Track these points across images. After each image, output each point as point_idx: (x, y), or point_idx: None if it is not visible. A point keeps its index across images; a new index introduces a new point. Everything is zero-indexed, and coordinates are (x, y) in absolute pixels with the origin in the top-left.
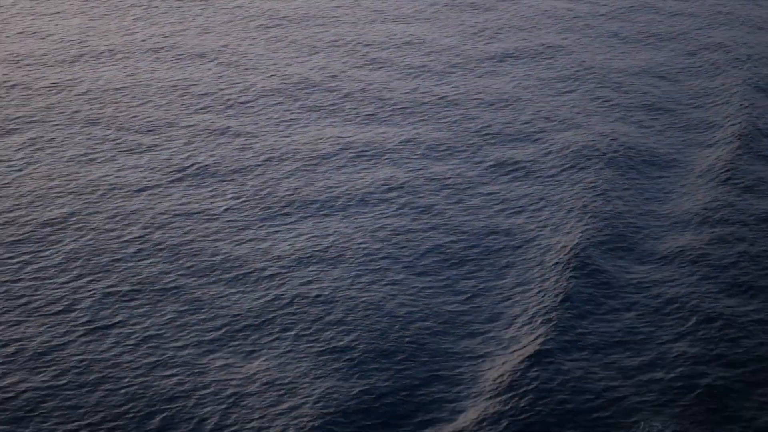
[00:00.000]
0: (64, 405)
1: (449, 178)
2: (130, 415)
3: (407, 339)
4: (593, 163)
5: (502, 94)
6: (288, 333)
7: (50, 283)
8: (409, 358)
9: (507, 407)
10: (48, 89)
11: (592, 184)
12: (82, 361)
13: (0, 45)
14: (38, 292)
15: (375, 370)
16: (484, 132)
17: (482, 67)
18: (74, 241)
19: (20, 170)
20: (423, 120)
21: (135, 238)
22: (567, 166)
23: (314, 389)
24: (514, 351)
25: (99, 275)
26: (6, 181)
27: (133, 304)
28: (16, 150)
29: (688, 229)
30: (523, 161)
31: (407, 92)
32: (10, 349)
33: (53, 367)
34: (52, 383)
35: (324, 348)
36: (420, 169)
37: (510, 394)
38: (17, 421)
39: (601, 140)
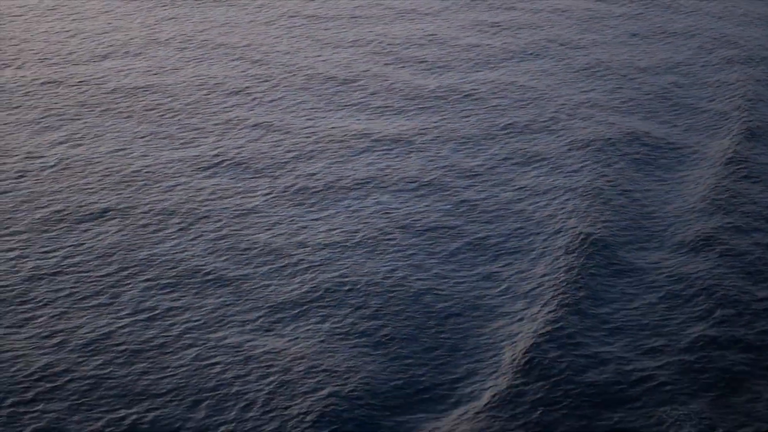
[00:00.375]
0: (110, 394)
1: (476, 170)
2: (176, 403)
3: (437, 322)
4: (613, 154)
5: (524, 90)
6: (325, 321)
7: (91, 276)
8: (438, 340)
9: (531, 386)
10: (77, 86)
11: (613, 174)
12: (126, 350)
13: (28, 44)
14: (80, 284)
15: (409, 354)
16: (508, 126)
17: (503, 64)
18: (113, 234)
19: (54, 166)
20: (448, 115)
21: (173, 230)
22: (588, 157)
23: (352, 373)
24: (538, 332)
25: (139, 267)
26: (40, 178)
27: (174, 294)
28: (50, 147)
29: (703, 217)
30: (545, 153)
31: (431, 88)
32: (56, 340)
33: (99, 357)
34: (98, 372)
35: (361, 335)
36: (447, 162)
37: (535, 373)
38: (66, 410)
39: (619, 133)
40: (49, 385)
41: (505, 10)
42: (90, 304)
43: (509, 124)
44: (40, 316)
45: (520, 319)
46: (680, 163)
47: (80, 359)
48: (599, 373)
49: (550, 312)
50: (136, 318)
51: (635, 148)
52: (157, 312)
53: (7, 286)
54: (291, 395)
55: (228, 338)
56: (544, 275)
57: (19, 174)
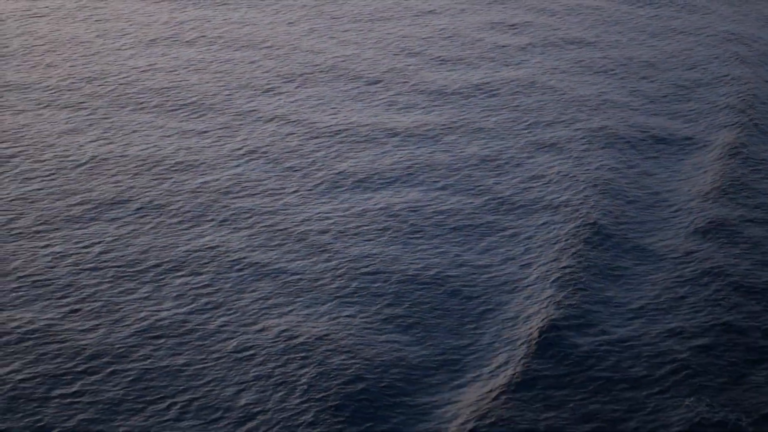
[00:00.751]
0: (154, 382)
1: (488, 158)
2: (218, 391)
3: (461, 304)
4: (626, 145)
5: (533, 82)
6: (345, 300)
7: (132, 268)
8: (463, 321)
9: (546, 368)
10: (106, 84)
11: (626, 164)
12: (167, 340)
13: (55, 43)
14: (121, 277)
15: (424, 332)
16: (518, 118)
17: (513, 58)
18: (150, 227)
19: (87, 162)
20: (460, 106)
21: (209, 223)
22: (597, 147)
23: (374, 351)
24: (551, 314)
25: (177, 259)
26: (74, 175)
27: (212, 285)
28: (81, 144)
29: (712, 206)
30: (556, 143)
31: (444, 81)
32: (102, 331)
33: (143, 346)
34: (142, 361)
35: (380, 313)
36: (460, 150)
37: (550, 354)
38: (119, 400)
39: (631, 126)
40: (95, 375)
41: (524, 10)
42: (131, 297)
43: (528, 117)
44: (84, 306)
45: (539, 301)
46: (688, 153)
47: (124, 349)
48: (615, 352)
49: (567, 294)
50: (176, 308)
51: (647, 139)
52: (195, 302)
53: (50, 278)
54: (312, 370)
55: (266, 326)
56: (560, 259)
57: (53, 170)
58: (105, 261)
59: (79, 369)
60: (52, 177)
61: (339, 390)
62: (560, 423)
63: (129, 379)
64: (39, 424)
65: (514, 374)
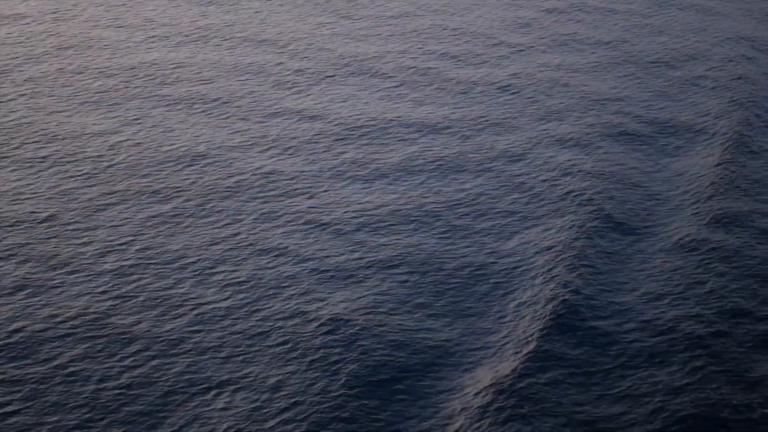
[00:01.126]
0: (186, 354)
1: (506, 152)
2: (245, 361)
3: (475, 287)
4: (633, 137)
5: (552, 80)
6: (366, 283)
7: (162, 252)
8: (478, 302)
9: (564, 348)
10: (125, 77)
11: (633, 155)
12: (198, 316)
13: (75, 37)
14: (151, 260)
15: (450, 313)
16: (533, 111)
17: (525, 55)
18: (177, 215)
19: (111, 161)
20: (479, 101)
21: (233, 209)
22: (610, 140)
23: (409, 334)
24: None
25: (207, 242)
26: (108, 172)
27: (240, 266)
28: (105, 135)
29: (721, 197)
30: (571, 137)
31: (462, 77)
32: (145, 325)
33: (175, 321)
34: (174, 335)
35: (402, 296)
36: (481, 142)
37: (567, 335)
38: (168, 390)
39: (638, 117)
40: (143, 366)
41: (537, 10)
42: (174, 290)
43: (537, 111)
44: (130, 298)
45: (556, 285)
46: (697, 144)
47: (170, 340)
48: (630, 334)
49: (581, 278)
50: (205, 288)
51: (658, 132)
52: (224, 283)
53: (98, 270)
54: (343, 349)
55: (289, 306)
56: (574, 246)
57: (89, 166)
58: (146, 254)
59: (127, 360)
60: (88, 173)
61: (373, 371)
62: (579, 401)
63: (176, 369)
64: (88, 415)
65: (533, 354)
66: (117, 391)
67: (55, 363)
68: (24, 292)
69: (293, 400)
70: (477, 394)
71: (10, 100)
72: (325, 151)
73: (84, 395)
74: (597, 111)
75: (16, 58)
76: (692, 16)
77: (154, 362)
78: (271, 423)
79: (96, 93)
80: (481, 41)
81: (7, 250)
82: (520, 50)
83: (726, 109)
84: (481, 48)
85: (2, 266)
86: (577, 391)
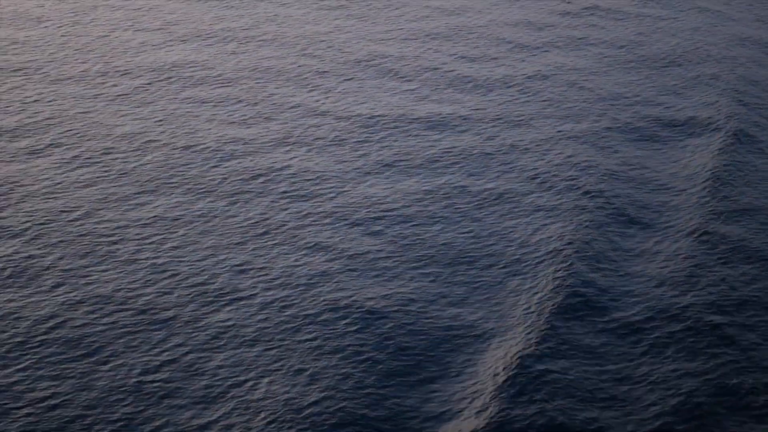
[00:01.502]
0: (207, 335)
1: (516, 145)
2: (271, 344)
3: (486, 273)
4: (640, 133)
5: (562, 78)
6: (395, 277)
7: (191, 239)
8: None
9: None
10: (150, 74)
11: (640, 150)
12: (221, 297)
13: (95, 38)
14: (183, 246)
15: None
16: (542, 109)
17: (538, 53)
18: (202, 206)
19: (137, 160)
20: (497, 101)
21: (255, 198)
22: (618, 135)
23: (420, 306)
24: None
25: (232, 232)
26: (125, 169)
27: (260, 248)
28: (126, 133)
29: (726, 189)
30: (580, 131)
31: (479, 74)
32: (168, 314)
33: (194, 302)
34: (196, 313)
35: (431, 288)
36: (500, 140)
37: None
38: (191, 363)
39: (646, 115)
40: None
41: (547, 12)
42: (197, 269)
43: (554, 110)
44: (152, 278)
45: (565, 272)
46: (703, 139)
47: (193, 318)
48: (639, 316)
49: (592, 266)
50: (231, 272)
51: (665, 127)
52: (256, 278)
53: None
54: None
55: (315, 292)
56: (585, 235)
57: (105, 152)
58: (167, 238)
59: (165, 354)
60: (118, 171)
61: (394, 352)
62: (597, 383)
63: (198, 343)
64: (129, 407)
65: (550, 339)
66: (157, 384)
67: (96, 357)
68: (62, 288)
69: (326, 392)
70: (496, 377)
71: (35, 101)
72: (349, 149)
73: (124, 389)
74: (610, 109)
75: (38, 60)
76: (703, 19)
77: (193, 355)
78: (306, 412)
79: (120, 94)
80: (497, 43)
81: (43, 246)
82: (534, 52)
83: (734, 108)
84: (498, 49)
85: (38, 261)
86: (596, 374)
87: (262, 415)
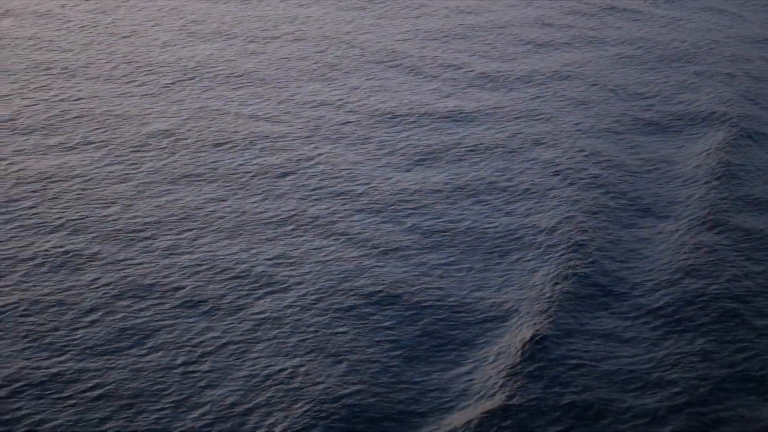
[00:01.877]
0: (230, 314)
1: (537, 137)
2: (287, 325)
3: (499, 254)
4: (653, 127)
5: (586, 72)
6: (414, 259)
7: (227, 228)
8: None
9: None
10: (177, 69)
11: (650, 144)
12: (249, 279)
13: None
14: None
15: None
16: (560, 103)
17: (558, 52)
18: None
19: (165, 158)
20: (509, 94)
21: (286, 186)
22: (633, 130)
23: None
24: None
25: (262, 219)
26: (155, 166)
27: (293, 241)
28: (155, 128)
29: (729, 183)
30: (596, 124)
31: (498, 72)
32: (206, 306)
33: (223, 283)
34: (221, 293)
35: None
36: (513, 132)
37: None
38: (209, 327)
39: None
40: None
41: (563, 12)
42: (228, 253)
43: (565, 103)
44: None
45: (578, 256)
46: (712, 131)
47: (216, 298)
48: (651, 301)
49: (602, 252)
50: (266, 264)
51: (675, 123)
52: (284, 259)
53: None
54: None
55: (340, 281)
56: (595, 223)
57: (137, 147)
58: (198, 223)
59: (200, 326)
60: (149, 159)
61: (422, 336)
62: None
63: (237, 333)
64: (177, 397)
65: (563, 321)
66: (199, 373)
67: (139, 347)
68: (103, 279)
69: (351, 368)
70: (518, 358)
71: (70, 96)
72: (375, 145)
73: (167, 378)
74: (628, 105)
75: (65, 56)
76: (717, 20)
77: (232, 346)
78: (334, 386)
79: (148, 88)
80: (510, 39)
81: (82, 239)
82: (552, 50)
83: (746, 105)
84: (511, 45)
85: (77, 243)
86: (614, 357)
87: (300, 403)
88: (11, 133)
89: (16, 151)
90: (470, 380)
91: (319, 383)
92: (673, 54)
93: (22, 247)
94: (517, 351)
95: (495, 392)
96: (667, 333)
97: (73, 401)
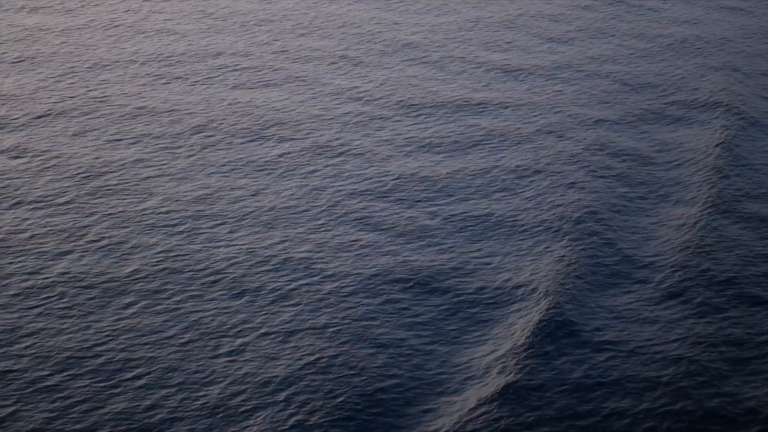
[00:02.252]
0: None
1: (548, 127)
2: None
3: (506, 237)
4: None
5: (584, 65)
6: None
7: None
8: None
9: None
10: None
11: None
12: (274, 264)
13: (140, 43)
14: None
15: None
16: (570, 95)
17: (564, 44)
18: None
19: (190, 156)
20: (521, 87)
21: (305, 171)
22: (640, 118)
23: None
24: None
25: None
26: (191, 149)
27: (311, 223)
28: (186, 139)
29: (731, 180)
30: (604, 115)
31: (510, 62)
32: (249, 279)
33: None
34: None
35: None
36: (525, 121)
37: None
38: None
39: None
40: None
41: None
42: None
43: (575, 95)
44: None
45: (567, 243)
46: (718, 120)
47: (233, 281)
48: (653, 287)
49: (612, 234)
50: (291, 251)
51: (684, 112)
52: (290, 236)
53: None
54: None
55: (369, 265)
56: (606, 206)
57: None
58: (225, 214)
59: (241, 314)
60: (181, 147)
61: (443, 317)
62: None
63: (242, 311)
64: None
65: (579, 300)
66: (249, 354)
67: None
68: (141, 255)
69: (379, 349)
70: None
71: (98, 88)
72: (383, 129)
73: (214, 368)
74: (631, 94)
75: (98, 51)
76: (723, 14)
77: (260, 317)
78: (364, 371)
79: (175, 77)
80: (522, 32)
81: (112, 216)
82: (562, 42)
83: (748, 93)
84: (523, 38)
85: (113, 228)
86: (628, 334)
87: (330, 375)
88: (44, 126)
89: (52, 143)
90: (494, 357)
91: (354, 367)
92: (680, 46)
93: (62, 240)
94: (537, 330)
95: (515, 369)
96: (679, 311)
97: (119, 389)
